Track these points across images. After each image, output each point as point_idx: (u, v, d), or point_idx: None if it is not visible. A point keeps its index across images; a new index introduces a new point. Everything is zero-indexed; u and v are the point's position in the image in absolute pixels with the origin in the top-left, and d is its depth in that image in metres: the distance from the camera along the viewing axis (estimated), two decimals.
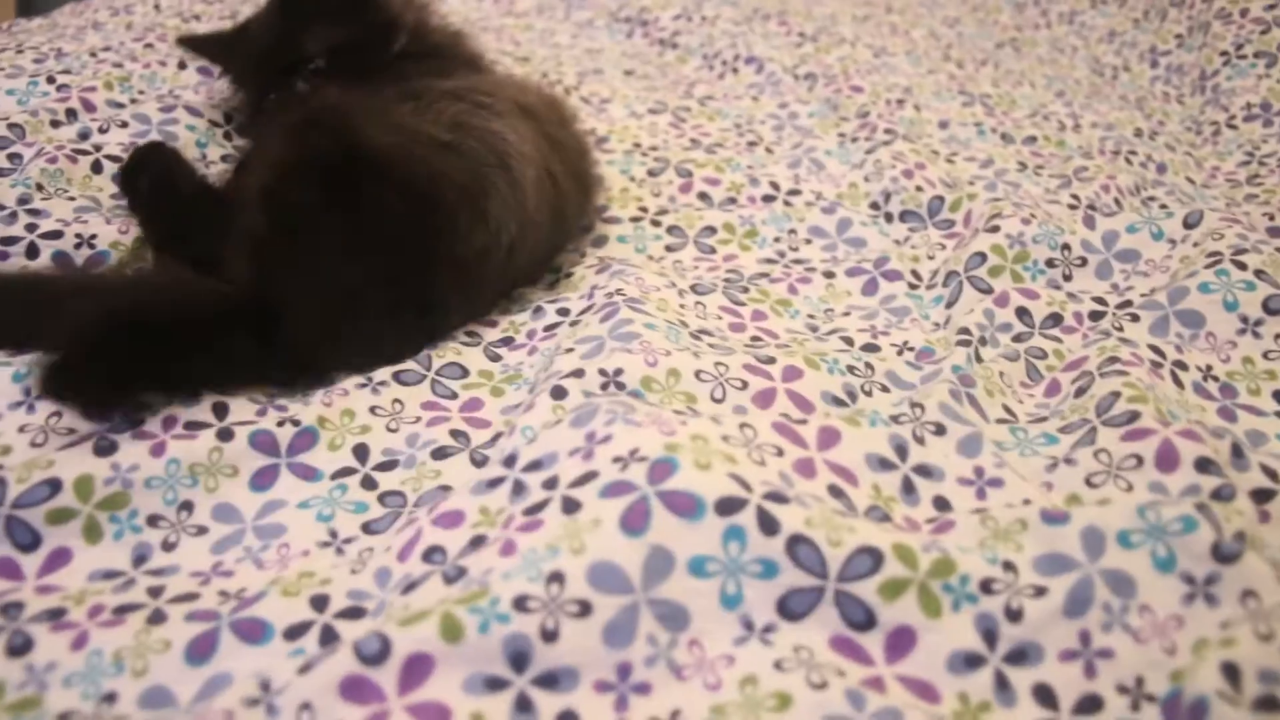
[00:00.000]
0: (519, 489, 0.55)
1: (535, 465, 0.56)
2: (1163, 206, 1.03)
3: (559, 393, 0.63)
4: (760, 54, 1.32)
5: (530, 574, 0.49)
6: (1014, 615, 0.50)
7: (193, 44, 1.00)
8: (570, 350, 0.68)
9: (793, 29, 1.44)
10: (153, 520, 0.58)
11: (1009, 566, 0.52)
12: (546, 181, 0.81)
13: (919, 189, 0.99)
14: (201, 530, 0.58)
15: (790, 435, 0.59)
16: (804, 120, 1.16)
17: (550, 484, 0.54)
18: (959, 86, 1.32)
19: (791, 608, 0.50)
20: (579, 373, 0.64)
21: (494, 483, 0.56)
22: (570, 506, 0.52)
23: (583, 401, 0.61)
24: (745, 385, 0.66)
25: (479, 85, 0.86)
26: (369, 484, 0.61)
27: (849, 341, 0.78)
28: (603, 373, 0.64)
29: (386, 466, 0.62)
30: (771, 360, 0.69)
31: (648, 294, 0.75)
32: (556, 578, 0.48)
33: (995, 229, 0.88)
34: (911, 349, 0.78)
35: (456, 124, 0.78)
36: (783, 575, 0.50)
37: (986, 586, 0.51)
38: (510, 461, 0.57)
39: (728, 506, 0.51)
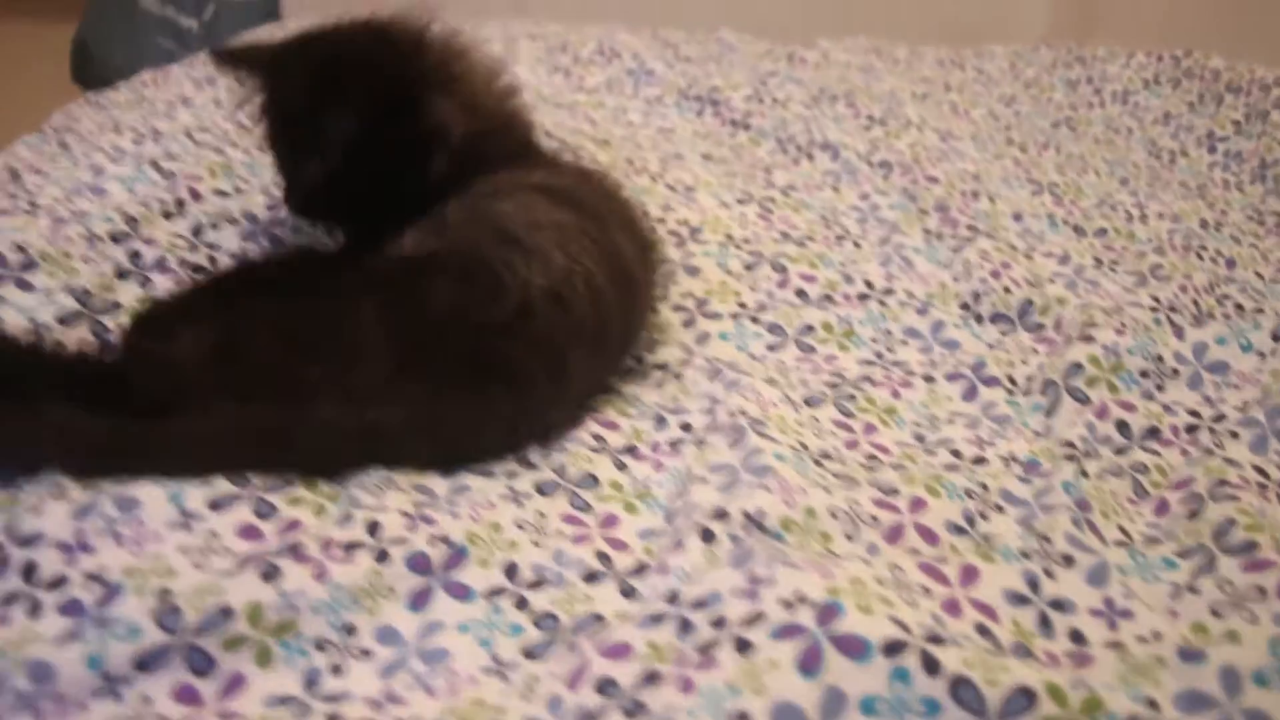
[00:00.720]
0: (685, 626, 0.58)
1: (700, 604, 0.58)
2: (1238, 306, 1.06)
3: (708, 536, 0.65)
4: (834, 139, 1.35)
5: (714, 713, 0.51)
6: None
7: (229, 58, 0.93)
8: (704, 480, 0.71)
9: (860, 111, 1.47)
10: (320, 644, 0.60)
11: (1152, 704, 0.54)
12: (582, 237, 0.81)
13: (1007, 290, 1.02)
14: (366, 654, 0.60)
15: (934, 574, 0.62)
16: (886, 213, 1.19)
17: (718, 624, 0.56)
18: (1025, 173, 1.35)
19: None
20: (722, 514, 0.66)
21: (658, 618, 0.59)
22: (743, 647, 0.54)
23: (732, 545, 0.64)
24: (876, 520, 0.69)
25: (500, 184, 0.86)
26: (521, 604, 0.64)
27: (958, 455, 0.81)
28: (745, 515, 0.66)
29: (536, 585, 0.65)
30: (895, 491, 0.71)
31: (768, 413, 0.78)
32: (742, 717, 0.51)
33: (1090, 339, 0.91)
34: (1018, 461, 0.81)
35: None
36: (945, 714, 0.52)
37: None
38: (673, 599, 0.59)
39: (893, 648, 0.53)
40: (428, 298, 0.75)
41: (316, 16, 1.95)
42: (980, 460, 0.81)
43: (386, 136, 0.86)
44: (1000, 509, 0.74)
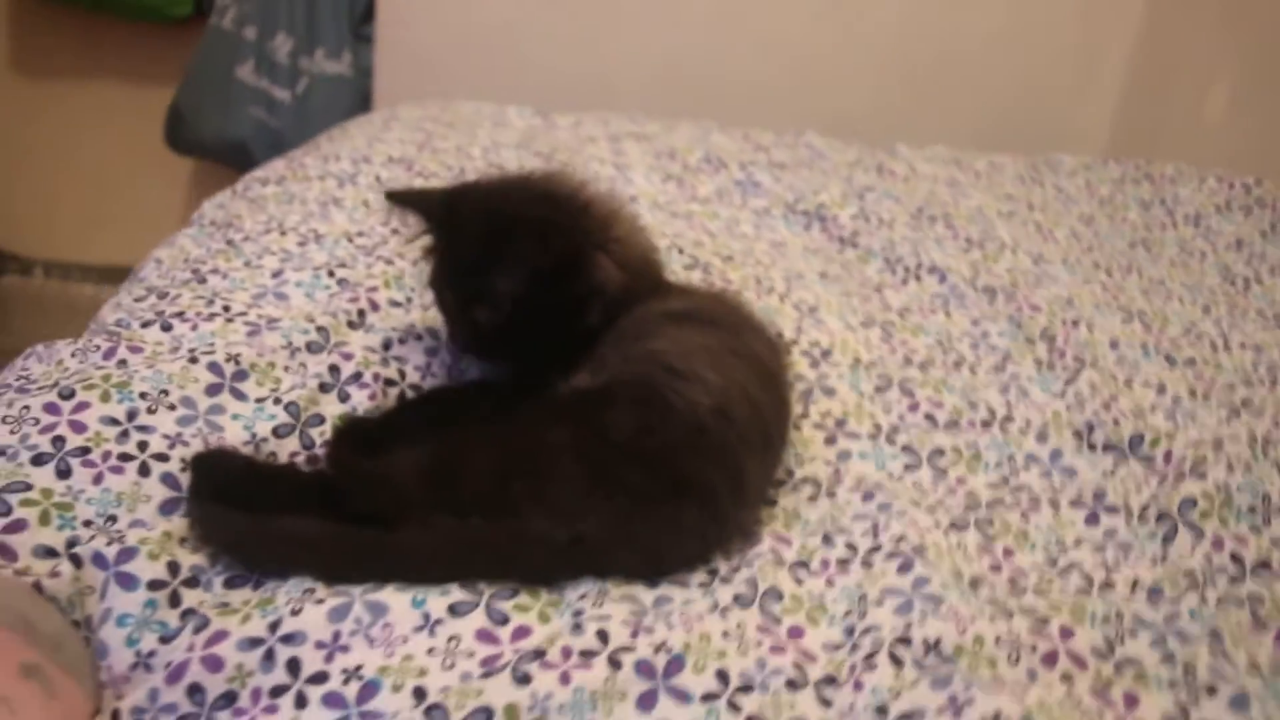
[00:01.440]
0: None
1: (907, 717, 0.69)
2: None
3: (897, 662, 0.76)
4: (939, 263, 1.47)
5: None
6: None
7: (401, 200, 1.05)
8: (880, 604, 0.81)
9: (959, 233, 1.59)
10: None
11: None
12: (728, 355, 0.94)
13: (1116, 422, 1.13)
14: None
15: (1103, 698, 0.72)
16: (995, 340, 1.31)
17: None
18: (1114, 299, 1.47)
19: None
20: (906, 640, 0.77)
21: None
22: None
23: (918, 669, 0.74)
24: (1035, 649, 0.79)
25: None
26: (734, 708, 0.74)
27: (1089, 579, 0.92)
28: (925, 642, 0.77)
29: (745, 690, 0.75)
30: (1046, 621, 0.82)
31: (925, 539, 0.89)
32: None
33: (1203, 475, 1.02)
34: (1142, 586, 0.91)
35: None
36: None
37: None
38: (882, 712, 0.70)
39: None
40: (610, 423, 0.86)
41: (406, 98, 2.10)
42: (1108, 585, 0.91)
43: (552, 291, 0.97)
44: (1135, 634, 0.84)
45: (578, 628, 0.75)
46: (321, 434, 0.97)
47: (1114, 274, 1.57)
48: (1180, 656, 0.80)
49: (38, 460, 0.86)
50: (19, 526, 0.81)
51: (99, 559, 0.80)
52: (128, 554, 0.80)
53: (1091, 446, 1.11)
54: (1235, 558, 0.95)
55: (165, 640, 0.76)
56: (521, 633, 0.77)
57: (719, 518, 0.87)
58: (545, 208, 0.99)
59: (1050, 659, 0.79)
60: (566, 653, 0.74)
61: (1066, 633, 0.82)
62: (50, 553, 0.80)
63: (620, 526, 0.84)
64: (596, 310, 0.99)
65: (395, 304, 1.16)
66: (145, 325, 1.07)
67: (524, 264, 0.96)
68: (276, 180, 1.57)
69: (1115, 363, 1.29)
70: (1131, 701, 0.73)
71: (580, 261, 0.98)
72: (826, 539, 0.91)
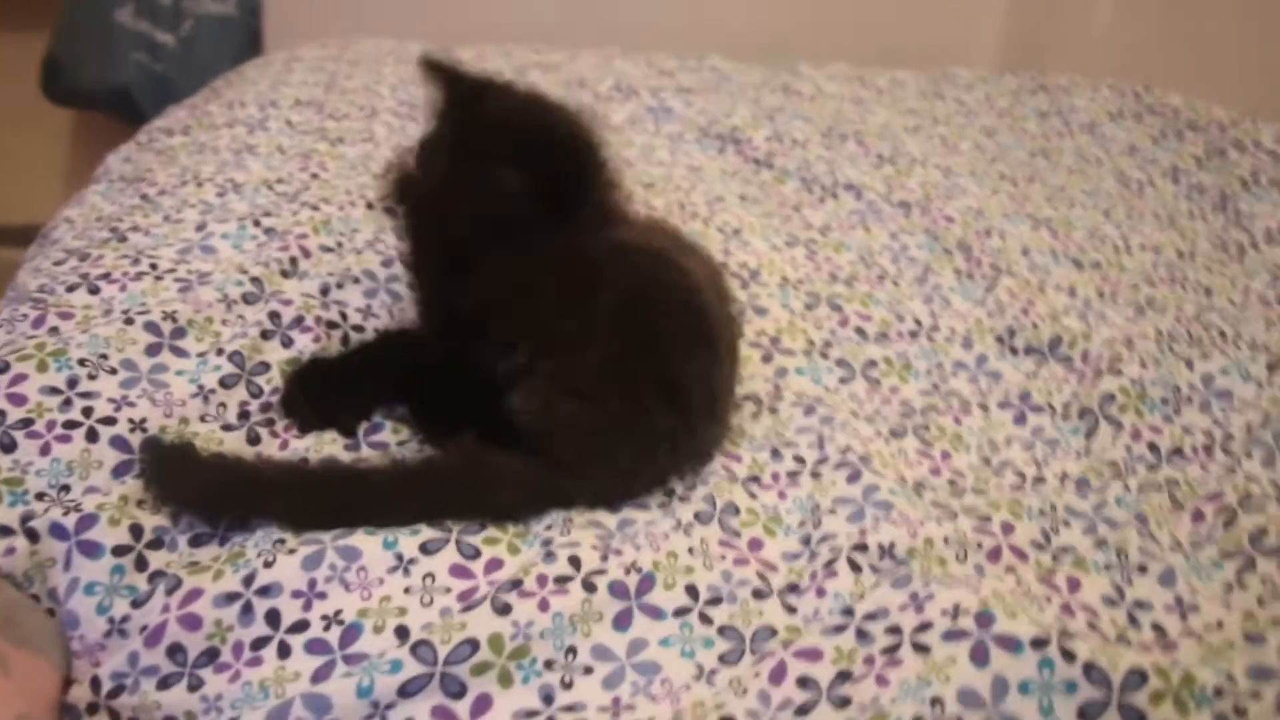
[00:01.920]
0: (863, 635, 0.72)
1: (871, 616, 0.73)
2: (1221, 334, 1.25)
3: (856, 567, 0.81)
4: (854, 180, 1.51)
5: (914, 699, 0.66)
6: (1240, 713, 0.69)
7: (436, 69, 1.02)
8: (833, 512, 0.86)
9: (870, 150, 1.64)
10: (549, 664, 0.73)
11: (1230, 677, 0.71)
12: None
13: (1035, 326, 1.19)
14: (588, 670, 0.73)
15: (1049, 584, 0.78)
16: (914, 252, 1.36)
17: (893, 631, 0.71)
18: (1020, 208, 1.53)
19: (1089, 715, 0.68)
20: (863, 547, 0.82)
21: (839, 628, 0.73)
22: (921, 648, 0.69)
23: (879, 570, 0.80)
24: (980, 546, 0.84)
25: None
26: (706, 620, 0.78)
27: (1021, 476, 0.98)
28: (880, 547, 0.82)
29: (714, 602, 0.79)
30: (988, 519, 0.87)
31: (869, 449, 0.93)
32: (937, 701, 0.66)
33: (1119, 372, 1.08)
34: (1070, 479, 0.98)
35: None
36: (1081, 692, 0.68)
37: (1219, 692, 0.69)
38: (848, 613, 0.74)
39: (1037, 643, 0.69)
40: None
41: (298, 37, 2.06)
42: (1040, 480, 0.97)
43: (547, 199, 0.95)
44: (1068, 524, 0.90)
45: (550, 555, 0.78)
46: (269, 381, 0.97)
47: (1019, 183, 1.63)
48: (1112, 541, 0.86)
49: None
50: None
51: (57, 529, 0.80)
52: (88, 521, 0.80)
53: (1013, 350, 1.17)
54: (1152, 446, 1.02)
55: (137, 605, 0.77)
56: (494, 565, 0.79)
57: (691, 427, 0.90)
58: (569, 121, 0.99)
59: (994, 554, 0.85)
60: (542, 580, 0.76)
61: (1008, 528, 0.87)
62: (4, 531, 0.80)
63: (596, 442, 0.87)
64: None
65: (326, 249, 1.15)
66: (71, 289, 1.05)
67: (537, 164, 0.94)
68: (182, 130, 1.54)
69: (1028, 269, 1.35)
70: (1074, 585, 0.79)
71: (586, 182, 0.98)
72: (775, 453, 0.95)
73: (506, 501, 0.84)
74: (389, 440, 0.94)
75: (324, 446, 0.91)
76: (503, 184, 0.93)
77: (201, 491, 0.83)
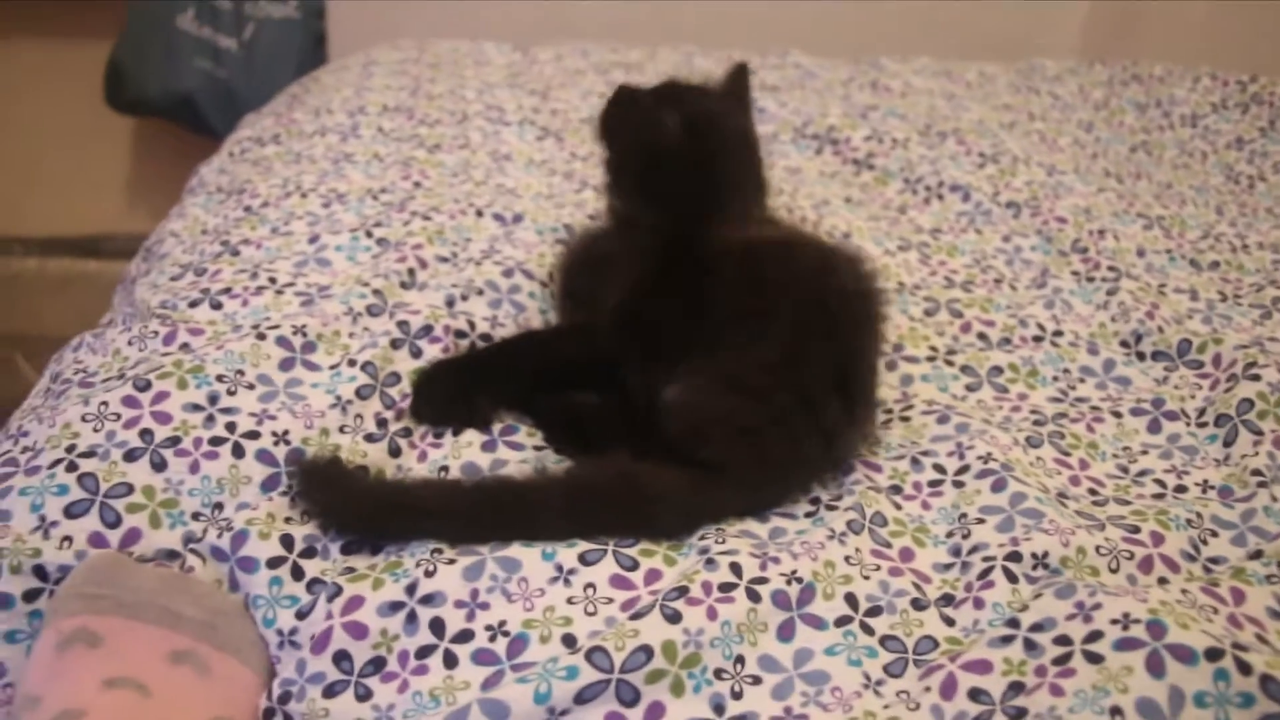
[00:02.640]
0: (1031, 645, 0.76)
1: (1038, 627, 0.77)
2: None
3: (1011, 577, 0.84)
4: (960, 180, 1.55)
5: (1093, 709, 0.70)
6: None
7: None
8: (981, 521, 0.90)
9: (971, 148, 1.67)
10: (719, 673, 0.77)
11: None
12: None
13: (1161, 330, 1.22)
14: (756, 680, 0.77)
15: (1214, 596, 0.81)
16: (1029, 255, 1.39)
17: (1062, 641, 0.75)
18: (1128, 206, 1.55)
19: None
20: (1015, 557, 0.85)
21: (1006, 639, 0.77)
22: (1093, 658, 0.73)
23: (1035, 580, 0.83)
24: (1131, 556, 0.88)
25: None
26: (867, 629, 0.82)
27: (1161, 484, 1.01)
28: (1034, 556, 0.85)
29: (874, 613, 0.83)
30: (1137, 530, 0.90)
31: (1009, 457, 0.97)
32: (1117, 711, 0.69)
33: (1256, 377, 1.11)
34: (1213, 488, 1.00)
35: None
36: (1258, 705, 0.71)
37: None
38: (1013, 624, 0.78)
39: (1213, 655, 0.72)
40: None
41: (362, 39, 2.11)
42: (1181, 489, 1.00)
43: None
44: (1215, 534, 0.93)
45: (711, 563, 0.82)
46: (400, 392, 1.02)
47: (1124, 180, 1.66)
48: (1269, 552, 0.89)
49: (130, 456, 0.90)
50: (134, 537, 0.86)
51: (217, 552, 0.86)
52: (240, 539, 0.85)
53: (1140, 355, 1.20)
54: None
55: (302, 616, 0.82)
56: (654, 575, 0.83)
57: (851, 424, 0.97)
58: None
59: (1146, 564, 0.88)
60: (707, 588, 0.80)
61: (1157, 538, 0.90)
62: (172, 554, 0.86)
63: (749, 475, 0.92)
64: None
65: (443, 259, 1.20)
66: (193, 305, 1.11)
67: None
68: (273, 139, 1.59)
69: (1146, 271, 1.37)
70: (1239, 597, 0.82)
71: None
72: (914, 462, 0.99)
73: (667, 524, 0.89)
74: (525, 442, 0.98)
75: (461, 451, 0.96)
76: (665, 124, 1.04)
77: (359, 514, 0.88)
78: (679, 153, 1.05)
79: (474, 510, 0.87)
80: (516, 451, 0.96)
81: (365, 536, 0.87)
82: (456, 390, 1.02)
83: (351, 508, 0.88)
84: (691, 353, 0.95)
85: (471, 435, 0.97)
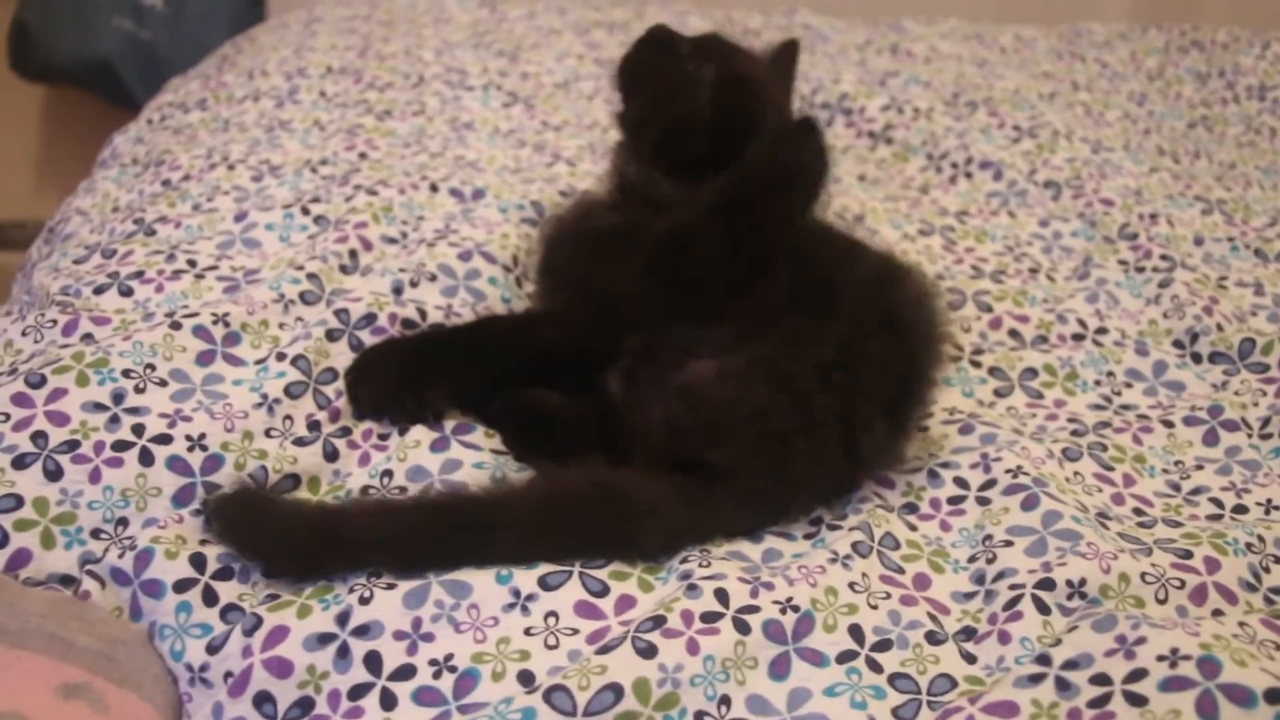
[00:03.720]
0: (1064, 685, 0.75)
1: (1073, 664, 0.76)
2: None
3: (1043, 607, 0.83)
4: (991, 156, 1.55)
5: None
6: None
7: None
8: (1009, 544, 0.89)
9: (1005, 121, 1.67)
10: (699, 717, 0.75)
11: None
12: None
13: (1220, 328, 1.21)
14: None
15: (1276, 630, 0.80)
16: (1069, 241, 1.39)
17: (1100, 680, 0.74)
18: (1186, 187, 1.55)
19: None
20: (1048, 584, 0.84)
21: (1035, 678, 0.76)
22: (1136, 700, 0.72)
23: (1070, 610, 0.82)
24: (1182, 585, 0.87)
25: None
26: (874, 666, 0.81)
27: (1218, 504, 1.00)
28: (1069, 583, 0.84)
29: (883, 647, 0.82)
30: (1189, 554, 0.89)
31: (1042, 471, 0.96)
32: None
33: None
34: (1278, 509, 1.00)
35: None
36: None
37: None
38: (1044, 660, 0.77)
39: (1274, 696, 0.71)
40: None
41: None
42: (1240, 509, 1.00)
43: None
44: (1278, 560, 0.92)
45: (693, 589, 0.81)
46: (337, 391, 1.01)
47: (1180, 159, 1.66)
48: None
49: (19, 463, 0.89)
50: (23, 559, 0.85)
51: (118, 574, 0.85)
52: (144, 559, 0.84)
53: (1196, 357, 1.20)
54: None
55: (215, 649, 0.80)
56: (626, 603, 0.82)
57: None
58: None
59: (1199, 594, 0.87)
60: (688, 617, 0.79)
61: (1212, 564, 0.89)
62: (67, 579, 0.85)
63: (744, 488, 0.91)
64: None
65: (390, 240, 1.20)
66: (99, 291, 1.10)
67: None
68: (198, 104, 1.59)
69: (1204, 261, 1.37)
70: None
71: None
72: (932, 476, 0.98)
73: (651, 544, 0.87)
74: (483, 443, 0.97)
75: (407, 453, 0.95)
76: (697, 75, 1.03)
77: (287, 553, 0.85)
78: (719, 117, 1.04)
79: (424, 535, 0.85)
80: (473, 453, 0.95)
81: (300, 579, 0.85)
82: (402, 375, 1.00)
83: (278, 546, 0.85)
84: (730, 325, 0.94)
85: (420, 433, 0.96)
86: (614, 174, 1.10)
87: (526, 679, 0.77)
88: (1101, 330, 1.22)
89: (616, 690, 0.74)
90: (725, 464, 0.90)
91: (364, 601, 0.80)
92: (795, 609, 0.81)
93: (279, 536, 0.85)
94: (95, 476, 0.89)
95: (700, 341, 0.94)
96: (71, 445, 0.90)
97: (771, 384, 0.90)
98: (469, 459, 0.94)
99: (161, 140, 1.47)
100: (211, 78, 1.71)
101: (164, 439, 0.92)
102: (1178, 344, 1.22)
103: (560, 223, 1.12)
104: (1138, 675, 0.73)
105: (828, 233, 1.04)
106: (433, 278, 1.13)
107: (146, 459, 0.91)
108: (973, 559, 0.90)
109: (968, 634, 0.84)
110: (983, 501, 0.95)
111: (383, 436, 0.98)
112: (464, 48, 1.82)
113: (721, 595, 0.81)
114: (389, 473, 0.93)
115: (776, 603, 0.81)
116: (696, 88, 1.04)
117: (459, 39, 1.87)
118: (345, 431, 0.98)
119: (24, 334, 1.04)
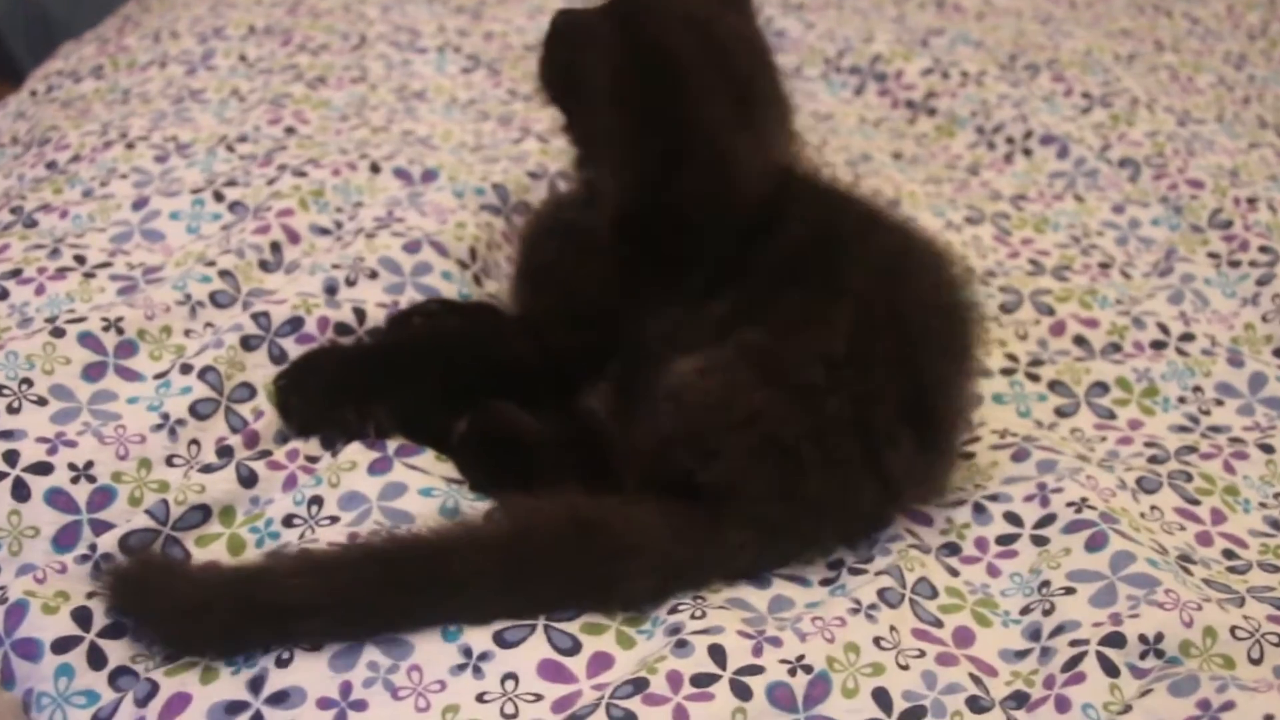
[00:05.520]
0: None
1: None
2: None
3: (1110, 667, 0.83)
4: (1055, 129, 1.55)
5: None
6: None
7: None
8: (1071, 592, 0.89)
9: (1073, 88, 1.67)
10: None
11: None
12: None
13: None
14: None
15: None
16: (1149, 230, 1.40)
17: None
18: None
19: None
20: (1117, 640, 0.84)
21: None
22: None
23: (1143, 671, 0.82)
24: None
25: None
26: None
27: None
28: (1142, 639, 0.84)
29: (914, 715, 0.82)
30: None
31: (1112, 505, 0.96)
32: None
33: None
34: None
35: None
36: None
37: None
38: None
39: None
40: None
41: None
42: None
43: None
44: None
45: (682, 645, 0.81)
46: (254, 411, 1.02)
47: None
48: None
49: None
50: None
51: None
52: (16, 613, 0.84)
53: None
54: None
55: None
56: (601, 661, 0.83)
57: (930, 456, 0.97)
58: None
59: None
60: (675, 680, 0.79)
61: None
62: None
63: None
64: None
65: (321, 231, 1.21)
66: None
67: None
68: (93, 73, 1.60)
69: None
70: None
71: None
72: (978, 511, 0.98)
73: (636, 589, 0.87)
74: (431, 466, 0.97)
75: (340, 476, 0.95)
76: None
77: (201, 629, 0.84)
78: (636, 71, 1.04)
79: (367, 595, 0.84)
80: (419, 477, 0.95)
81: (221, 659, 0.83)
82: (343, 384, 1.01)
83: (191, 622, 0.84)
84: (718, 303, 0.95)
85: (356, 453, 0.97)
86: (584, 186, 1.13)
87: None
88: (1187, 337, 1.23)
89: None
90: (722, 483, 0.90)
91: (282, 663, 0.81)
92: (808, 669, 0.82)
93: (192, 611, 0.84)
94: None
95: (687, 328, 0.95)
96: None
97: (765, 378, 0.90)
98: (414, 483, 0.94)
99: (47, 115, 1.48)
100: (110, 41, 1.72)
101: (43, 468, 0.92)
102: (1279, 353, 1.22)
103: (538, 220, 1.14)
104: None
105: (841, 199, 1.05)
106: (373, 274, 1.14)
107: (20, 492, 0.91)
108: (1026, 610, 0.90)
109: (1019, 700, 0.84)
110: (1039, 541, 0.95)
111: (311, 460, 0.98)
112: (416, 3, 1.83)
113: (717, 653, 0.81)
114: (318, 500, 0.93)
115: (785, 662, 0.82)
116: (601, 50, 1.05)
117: None
118: (264, 453, 0.98)
119: None
